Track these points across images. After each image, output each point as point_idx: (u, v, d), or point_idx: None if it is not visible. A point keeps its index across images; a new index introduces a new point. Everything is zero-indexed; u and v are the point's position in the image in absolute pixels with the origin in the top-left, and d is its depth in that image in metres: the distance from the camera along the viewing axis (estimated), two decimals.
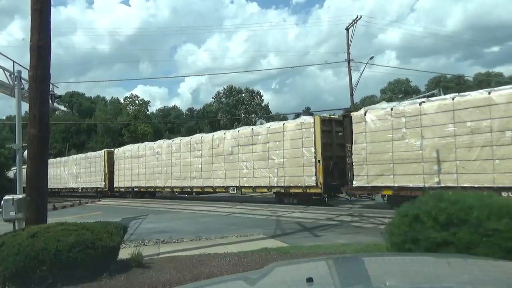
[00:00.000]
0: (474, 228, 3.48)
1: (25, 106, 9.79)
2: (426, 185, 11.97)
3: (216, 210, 16.61)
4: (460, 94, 12.32)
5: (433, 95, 22.24)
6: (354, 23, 27.17)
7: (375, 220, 11.35)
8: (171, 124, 57.72)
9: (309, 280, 1.50)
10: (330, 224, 11.21)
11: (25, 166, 7.28)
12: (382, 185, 13.21)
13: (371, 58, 29.21)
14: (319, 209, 14.70)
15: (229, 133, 19.86)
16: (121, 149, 28.76)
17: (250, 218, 13.56)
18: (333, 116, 17.53)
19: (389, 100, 47.81)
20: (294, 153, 16.18)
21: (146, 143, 27.21)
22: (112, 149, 30.04)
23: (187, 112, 63.32)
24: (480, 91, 11.87)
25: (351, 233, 9.46)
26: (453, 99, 11.87)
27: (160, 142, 25.46)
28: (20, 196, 8.70)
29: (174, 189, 23.32)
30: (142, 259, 5.98)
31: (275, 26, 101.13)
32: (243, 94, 55.33)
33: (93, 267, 5.20)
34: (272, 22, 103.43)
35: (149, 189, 25.44)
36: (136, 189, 26.04)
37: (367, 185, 13.65)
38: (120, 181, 27.61)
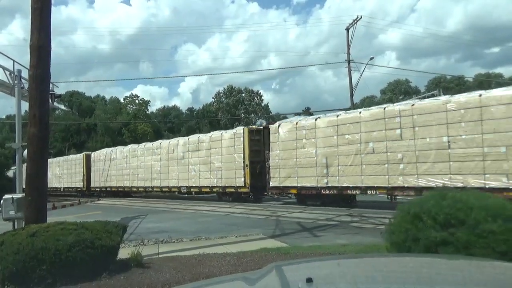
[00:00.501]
0: (471, 229, 3.48)
1: (25, 105, 9.80)
2: (318, 185, 15.12)
3: (215, 210, 16.62)
4: (346, 111, 16.19)
5: (433, 96, 22.25)
6: (354, 23, 27.19)
7: (375, 220, 11.36)
8: (171, 123, 57.70)
9: (309, 280, 1.50)
10: (329, 224, 11.22)
11: (25, 165, 7.28)
12: (290, 185, 16.26)
13: (371, 58, 29.15)
14: (319, 209, 14.73)
15: (182, 140, 22.96)
16: (97, 152, 31.27)
17: (249, 218, 13.57)
18: (260, 127, 20.06)
19: (389, 100, 47.85)
20: (229, 159, 19.12)
21: (118, 147, 29.71)
22: (90, 153, 32.43)
23: (187, 112, 63.30)
24: (359, 110, 15.23)
25: (351, 233, 9.46)
26: (337, 116, 15.11)
27: (128, 147, 28.28)
28: (19, 195, 8.71)
29: (139, 189, 25.96)
30: (142, 259, 5.99)
31: (276, 26, 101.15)
32: (243, 94, 55.33)
33: (93, 266, 5.20)
34: (273, 22, 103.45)
35: (119, 189, 27.66)
36: (109, 189, 28.47)
37: (279, 185, 16.62)
38: (96, 182, 29.98)
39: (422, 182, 12.31)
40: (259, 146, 18.34)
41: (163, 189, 23.89)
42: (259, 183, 17.83)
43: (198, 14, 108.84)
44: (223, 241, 8.53)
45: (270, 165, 16.96)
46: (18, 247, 4.99)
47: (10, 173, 30.99)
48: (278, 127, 16.79)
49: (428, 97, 24.48)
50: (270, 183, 16.94)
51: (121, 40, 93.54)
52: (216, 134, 20.70)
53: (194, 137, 22.23)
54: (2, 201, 8.76)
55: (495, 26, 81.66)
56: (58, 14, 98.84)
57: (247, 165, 18.14)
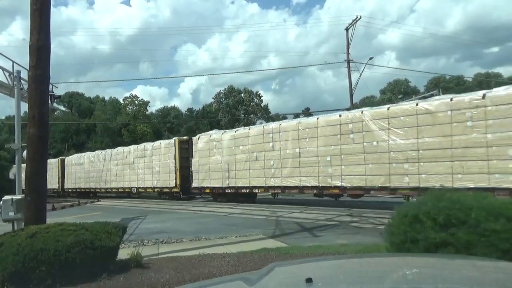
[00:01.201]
0: (472, 228, 3.49)
1: (25, 106, 9.79)
2: (223, 185, 19.15)
3: (215, 210, 16.63)
4: (246, 127, 20.31)
5: (432, 96, 22.26)
6: (354, 24, 27.20)
7: (375, 220, 11.36)
8: (171, 124, 57.64)
9: (309, 280, 1.50)
10: (329, 224, 11.22)
11: (25, 166, 7.27)
12: (206, 185, 20.29)
13: (371, 58, 29.26)
14: (319, 209, 14.76)
15: (133, 148, 26.91)
16: (69, 157, 34.64)
17: (249, 218, 13.57)
18: (188, 138, 23.27)
19: (389, 100, 47.86)
20: (165, 164, 23.05)
21: (86, 153, 32.99)
22: (64, 158, 35.46)
23: (186, 112, 63.20)
24: (248, 127, 20.37)
25: (351, 233, 9.46)
26: (235, 132, 19.41)
27: (94, 153, 31.56)
28: (19, 197, 8.69)
29: (101, 190, 29.38)
30: (141, 260, 5.98)
31: (276, 27, 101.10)
32: (242, 95, 55.31)
33: (92, 267, 5.20)
34: (273, 22, 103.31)
35: (87, 190, 30.73)
36: (79, 190, 31.44)
37: (198, 185, 20.65)
38: (68, 184, 33.28)
39: (284, 183, 16.42)
40: (187, 154, 21.71)
41: (119, 190, 27.44)
42: (187, 184, 21.57)
43: (198, 15, 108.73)
44: (223, 242, 8.52)
45: (192, 169, 21.00)
46: (18, 248, 4.98)
47: (10, 175, 31.14)
48: (198, 139, 20.98)
49: (427, 97, 24.50)
50: (192, 184, 20.98)
51: (121, 41, 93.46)
52: (156, 143, 24.77)
53: (141, 146, 26.28)
54: (1, 202, 8.74)
55: (494, 26, 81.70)
56: (58, 15, 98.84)
57: (177, 169, 22.13)
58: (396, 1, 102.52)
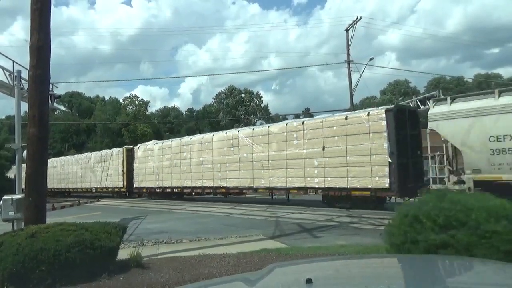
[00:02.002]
0: (473, 230, 3.48)
1: (25, 106, 9.78)
2: (154, 186, 24.35)
3: (214, 211, 16.63)
4: (169, 140, 25.91)
5: (432, 97, 22.27)
6: (354, 24, 27.20)
7: (374, 221, 11.35)
8: (171, 124, 57.61)
9: (309, 281, 1.50)
10: (329, 225, 11.21)
11: (25, 166, 7.27)
12: (143, 186, 25.66)
13: (371, 59, 29.13)
14: (319, 210, 14.76)
15: (93, 154, 31.64)
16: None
17: (249, 219, 13.56)
18: (133, 147, 27.74)
19: (389, 101, 47.84)
20: (116, 168, 27.76)
21: (60, 157, 36.89)
22: None
23: (186, 112, 63.15)
24: (171, 139, 26.31)
25: (350, 234, 9.45)
26: (162, 143, 25.01)
27: (65, 157, 36.60)
28: (19, 196, 8.69)
29: (70, 189, 33.85)
30: (141, 260, 5.98)
31: (276, 27, 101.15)
32: (243, 95, 55.31)
33: (92, 267, 5.19)
34: (273, 23, 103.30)
35: (60, 190, 34.56)
36: (53, 190, 33.52)
37: (138, 186, 26.04)
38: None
39: (193, 184, 21.32)
40: (132, 160, 26.62)
41: (83, 189, 31.66)
42: (131, 185, 26.57)
43: (199, 15, 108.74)
44: (222, 242, 8.52)
45: (134, 172, 26.21)
46: (18, 247, 4.98)
47: (10, 174, 31.45)
48: (138, 148, 26.38)
49: (428, 97, 24.53)
50: (134, 185, 26.24)
51: (122, 41, 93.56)
52: (110, 151, 29.50)
53: (99, 152, 31.13)
54: (1, 201, 8.73)
55: (494, 27, 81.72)
56: (59, 15, 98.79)
57: (124, 173, 26.82)
58: (396, 2, 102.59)
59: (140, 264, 5.87)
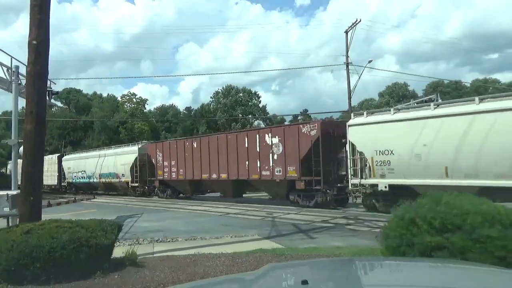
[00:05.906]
0: (467, 234, 3.49)
1: (22, 102, 9.74)
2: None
3: (210, 210, 16.63)
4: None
5: (430, 100, 22.30)
6: (354, 26, 27.22)
7: (370, 223, 11.38)
8: (168, 122, 57.43)
9: (304, 282, 1.50)
10: (325, 226, 11.22)
11: (21, 162, 7.24)
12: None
13: (370, 61, 29.11)
14: (315, 211, 14.76)
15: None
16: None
17: (245, 218, 13.57)
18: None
19: (387, 103, 47.95)
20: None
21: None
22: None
23: (184, 111, 62.91)
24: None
25: (346, 235, 9.47)
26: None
27: None
28: (14, 192, 8.65)
29: None
30: (136, 258, 5.97)
31: (278, 28, 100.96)
32: (241, 94, 55.22)
33: (87, 265, 5.18)
34: (275, 24, 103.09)
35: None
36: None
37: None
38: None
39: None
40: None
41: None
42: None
43: (201, 15, 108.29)
44: (218, 242, 8.52)
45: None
46: (12, 244, 4.96)
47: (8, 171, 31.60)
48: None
49: (425, 101, 24.54)
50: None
51: (124, 39, 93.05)
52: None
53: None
54: None
55: (494, 33, 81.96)
56: (63, 12, 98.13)
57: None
58: (397, 6, 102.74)
59: (135, 262, 5.86)
